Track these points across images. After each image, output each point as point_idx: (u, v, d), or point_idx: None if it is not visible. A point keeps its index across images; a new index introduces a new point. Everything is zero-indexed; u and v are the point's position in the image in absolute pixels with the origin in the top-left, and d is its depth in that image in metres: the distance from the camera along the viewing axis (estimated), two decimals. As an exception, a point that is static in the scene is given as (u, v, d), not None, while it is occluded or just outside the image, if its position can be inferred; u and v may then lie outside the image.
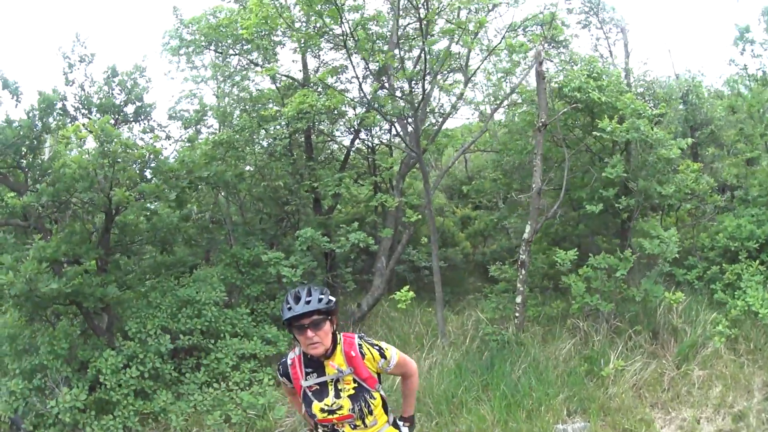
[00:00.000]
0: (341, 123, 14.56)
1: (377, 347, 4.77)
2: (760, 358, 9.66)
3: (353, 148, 14.93)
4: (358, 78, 11.82)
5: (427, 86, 11.49)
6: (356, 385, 4.66)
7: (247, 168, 13.72)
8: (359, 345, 4.71)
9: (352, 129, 14.45)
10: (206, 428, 8.99)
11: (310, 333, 4.41)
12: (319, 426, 4.81)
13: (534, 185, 10.90)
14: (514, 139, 13.55)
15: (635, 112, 10.65)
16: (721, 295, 10.75)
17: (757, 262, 10.90)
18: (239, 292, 11.83)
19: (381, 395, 4.84)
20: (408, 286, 10.43)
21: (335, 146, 15.48)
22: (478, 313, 12.01)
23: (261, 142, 13.98)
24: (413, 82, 11.26)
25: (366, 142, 15.24)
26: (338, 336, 4.71)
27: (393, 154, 15.09)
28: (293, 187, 12.93)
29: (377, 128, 14.83)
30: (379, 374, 4.79)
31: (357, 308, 12.54)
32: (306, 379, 4.68)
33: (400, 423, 5.16)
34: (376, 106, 11.43)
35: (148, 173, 10.71)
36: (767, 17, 14.66)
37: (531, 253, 11.35)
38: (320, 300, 4.44)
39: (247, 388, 9.68)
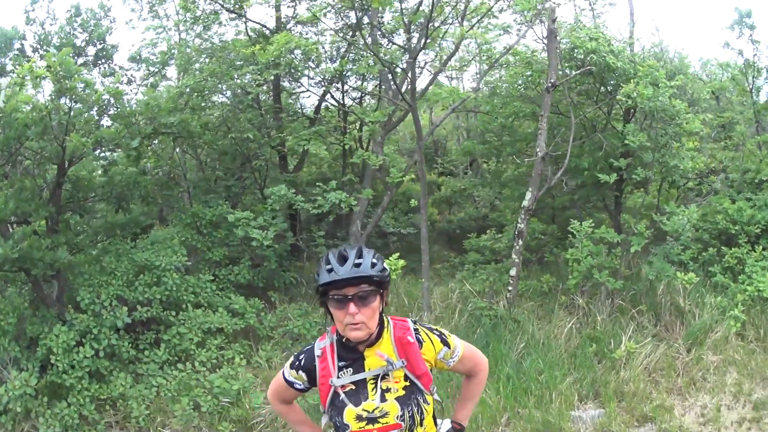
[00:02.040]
0: (315, 73, 13.28)
1: (437, 332, 3.63)
2: None
3: (324, 104, 13.89)
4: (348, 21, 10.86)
5: (432, 27, 10.44)
6: (408, 383, 3.45)
7: (214, 116, 12.56)
8: (415, 330, 3.55)
9: (325, 81, 13.25)
10: (172, 417, 7.79)
11: (353, 307, 3.23)
12: None
13: (538, 150, 10.07)
14: (504, 101, 12.74)
15: (655, 81, 9.83)
16: (721, 278, 10.23)
17: (761, 247, 10.43)
18: (201, 256, 10.70)
19: (435, 399, 3.64)
20: (398, 254, 9.19)
21: (305, 101, 14.49)
22: (462, 285, 11.11)
23: (226, 93, 12.74)
24: (411, 28, 10.31)
25: (347, 94, 14.08)
26: (385, 318, 3.55)
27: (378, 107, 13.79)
28: (262, 141, 11.83)
29: (352, 81, 13.79)
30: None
31: (328, 275, 11.39)
32: (339, 376, 3.44)
33: (449, 428, 3.93)
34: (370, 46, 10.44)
35: (106, 121, 9.66)
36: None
37: (529, 222, 10.55)
38: (374, 265, 3.29)
39: (216, 369, 8.46)
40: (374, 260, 3.32)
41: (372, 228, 12.07)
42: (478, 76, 14.29)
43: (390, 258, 8.91)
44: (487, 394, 8.02)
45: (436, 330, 3.63)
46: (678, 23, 34.34)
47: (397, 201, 14.04)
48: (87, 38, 10.28)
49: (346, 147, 13.19)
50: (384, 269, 3.36)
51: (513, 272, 10.09)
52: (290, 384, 3.67)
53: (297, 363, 3.61)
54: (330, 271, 3.25)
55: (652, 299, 9.95)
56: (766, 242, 10.63)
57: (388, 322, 3.54)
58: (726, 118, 13.61)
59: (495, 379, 8.29)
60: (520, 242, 10.12)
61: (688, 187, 13.18)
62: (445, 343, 3.60)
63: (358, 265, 3.25)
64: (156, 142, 11.50)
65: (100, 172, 11.09)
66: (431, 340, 3.55)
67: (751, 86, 13.16)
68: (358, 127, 13.06)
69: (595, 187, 11.55)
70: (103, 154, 10.39)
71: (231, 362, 8.59)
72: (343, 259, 3.28)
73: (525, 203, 10.12)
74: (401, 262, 8.94)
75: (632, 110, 10.89)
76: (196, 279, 9.62)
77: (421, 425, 3.50)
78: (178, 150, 12.90)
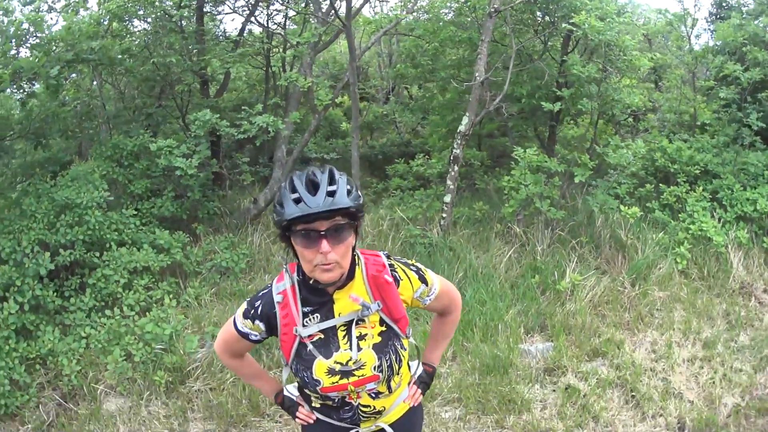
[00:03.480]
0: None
1: (414, 268, 3.12)
2: (715, 285, 8.99)
3: (247, 28, 12.93)
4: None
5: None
6: (384, 328, 2.99)
7: (136, 43, 11.49)
8: (390, 266, 3.04)
9: (249, 3, 12.30)
10: (105, 371, 6.94)
11: (326, 245, 2.69)
12: (316, 398, 3.18)
13: (477, 74, 9.50)
14: (436, 26, 12.30)
15: (604, 15, 9.47)
16: (660, 214, 9.99)
17: (701, 188, 10.27)
18: (122, 190, 9.83)
19: (412, 343, 3.24)
20: None
21: (228, 25, 13.69)
22: (393, 212, 10.65)
23: (147, 19, 11.58)
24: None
25: (271, 18, 13.06)
26: (357, 254, 3.00)
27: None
28: (184, 65, 10.87)
29: (277, 4, 12.82)
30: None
31: (253, 204, 10.67)
32: (305, 324, 2.92)
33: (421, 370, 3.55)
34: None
35: (25, 53, 8.90)
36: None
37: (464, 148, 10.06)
38: (349, 192, 2.73)
39: (145, 313, 7.61)
40: (349, 186, 2.75)
41: (298, 153, 11.32)
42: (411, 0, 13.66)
43: None
44: (429, 326, 7.42)
45: (413, 265, 3.15)
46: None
47: (319, 126, 13.41)
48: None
49: (272, 70, 12.48)
50: (359, 197, 2.81)
51: (448, 199, 9.63)
52: (244, 336, 3.11)
53: (252, 311, 3.03)
54: (298, 201, 2.67)
55: (591, 231, 9.64)
56: (705, 184, 10.45)
57: (359, 258, 3.02)
58: (662, 60, 13.35)
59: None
60: (456, 168, 9.64)
61: (626, 123, 12.99)
62: (423, 280, 3.12)
63: (332, 194, 2.68)
64: (74, 74, 10.73)
65: (17, 111, 10.26)
66: (408, 277, 3.08)
67: (688, 34, 12.94)
68: (282, 50, 12.26)
69: (531, 116, 11.41)
70: (20, 87, 9.47)
71: (160, 303, 7.80)
72: (313, 186, 2.70)
73: (462, 128, 9.59)
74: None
75: (572, 42, 10.62)
76: (118, 215, 8.72)
77: (398, 373, 3.16)
78: (96, 81, 12.03)
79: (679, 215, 9.95)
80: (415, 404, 3.43)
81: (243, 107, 9.69)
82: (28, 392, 6.69)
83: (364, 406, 3.13)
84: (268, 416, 6.45)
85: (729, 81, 10.98)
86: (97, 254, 8.16)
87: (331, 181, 2.70)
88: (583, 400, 6.57)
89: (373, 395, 3.10)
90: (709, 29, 14.97)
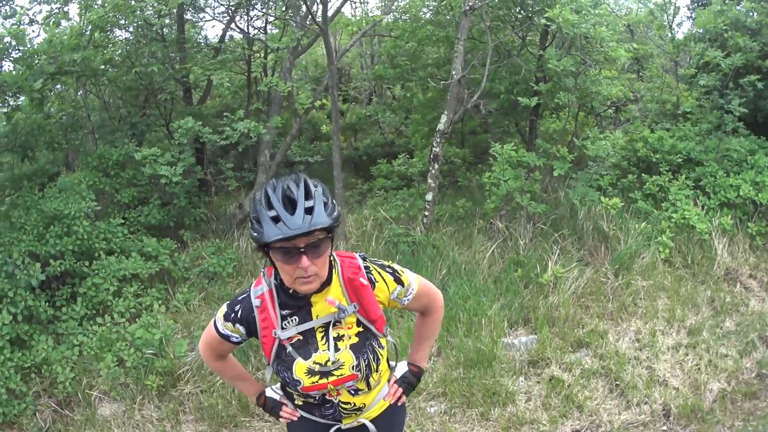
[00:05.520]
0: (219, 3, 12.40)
1: (390, 269, 3.14)
2: (699, 272, 9.00)
3: (228, 35, 13.01)
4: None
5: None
6: (361, 329, 3.04)
7: (118, 53, 11.42)
8: (365, 268, 3.06)
9: (230, 10, 12.31)
10: (98, 377, 6.99)
11: (306, 261, 2.70)
12: (298, 396, 3.24)
13: (454, 72, 9.52)
14: (414, 26, 12.30)
15: (579, 8, 9.37)
16: (643, 204, 10.00)
17: (683, 176, 10.30)
18: (109, 199, 9.82)
19: (389, 341, 3.30)
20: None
21: (209, 32, 13.69)
22: (375, 212, 10.64)
23: (129, 28, 11.54)
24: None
25: (251, 23, 13.09)
26: (333, 257, 3.02)
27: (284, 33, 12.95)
28: (166, 74, 10.92)
29: (257, 10, 12.90)
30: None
31: (239, 209, 10.66)
32: (283, 327, 2.96)
33: (405, 370, 3.57)
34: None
35: (8, 66, 8.98)
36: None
37: (444, 146, 10.03)
38: (326, 207, 2.73)
39: (135, 319, 7.62)
40: (325, 199, 2.75)
41: (281, 157, 11.31)
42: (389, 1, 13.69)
43: None
44: (413, 322, 7.51)
45: (388, 267, 3.17)
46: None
47: (302, 129, 13.42)
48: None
49: (253, 76, 12.44)
50: (335, 208, 2.78)
51: (429, 197, 9.61)
52: (225, 338, 3.13)
53: (232, 315, 3.05)
54: (276, 220, 2.65)
55: (574, 224, 9.64)
56: (687, 172, 10.46)
57: (335, 260, 3.04)
58: (642, 51, 13.34)
59: (420, 308, 7.81)
60: (436, 166, 9.61)
61: (606, 115, 13.06)
62: (399, 281, 3.14)
63: (309, 211, 2.66)
64: (58, 86, 10.60)
65: (3, 124, 10.18)
66: (384, 279, 3.10)
67: (670, 23, 12.98)
68: (263, 56, 12.30)
69: (510, 112, 11.38)
70: (5, 101, 9.50)
71: (149, 310, 7.77)
72: (290, 203, 2.69)
73: (440, 126, 9.60)
74: None
75: (549, 36, 10.62)
76: (106, 224, 8.73)
77: (377, 371, 3.22)
78: (80, 92, 11.90)
79: (662, 204, 9.95)
80: (398, 403, 3.45)
81: (225, 113, 9.66)
82: (24, 400, 6.72)
83: (345, 403, 3.18)
84: (258, 416, 6.47)
85: (710, 68, 10.96)
86: (87, 263, 8.15)
87: (307, 195, 2.70)
88: (567, 390, 6.57)
89: (353, 392, 3.14)
90: (691, 17, 15.01)
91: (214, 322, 3.13)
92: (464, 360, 7.00)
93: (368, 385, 3.18)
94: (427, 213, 9.61)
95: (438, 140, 9.58)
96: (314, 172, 12.62)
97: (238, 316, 3.02)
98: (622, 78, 12.52)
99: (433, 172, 9.59)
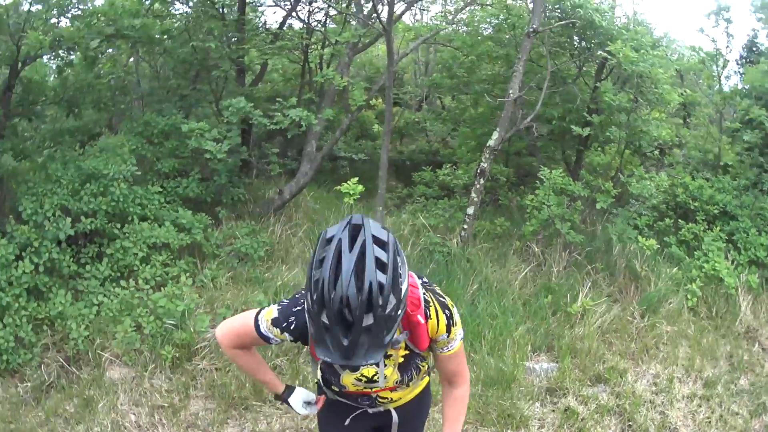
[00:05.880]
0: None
1: (448, 312, 2.96)
2: (722, 326, 8.92)
3: (288, 23, 12.87)
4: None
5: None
6: (407, 352, 3.00)
7: (175, 25, 11.52)
8: (425, 302, 2.89)
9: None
10: (112, 339, 6.95)
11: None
12: (339, 395, 3.26)
13: (510, 91, 9.53)
14: (476, 40, 12.38)
15: (639, 46, 9.47)
16: (676, 250, 9.95)
17: (718, 228, 10.22)
18: (149, 167, 9.80)
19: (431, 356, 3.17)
20: (357, 178, 8.58)
21: (268, 18, 13.72)
22: (414, 218, 10.68)
23: (189, 2, 11.70)
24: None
25: (312, 15, 13.10)
26: None
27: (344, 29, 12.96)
28: (222, 52, 10.85)
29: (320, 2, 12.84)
30: None
31: (278, 195, 10.65)
32: None
33: None
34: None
35: (64, 22, 8.95)
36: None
37: (492, 163, 10.05)
38: (389, 321, 2.37)
39: (160, 288, 7.55)
40: (392, 310, 2.36)
41: (327, 150, 11.36)
42: (452, 12, 13.67)
43: (349, 182, 8.32)
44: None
45: (448, 308, 2.98)
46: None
47: (350, 126, 13.44)
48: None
49: (309, 66, 12.48)
50: (401, 307, 2.44)
51: (471, 211, 9.61)
52: (264, 338, 3.02)
53: (284, 324, 2.93)
54: (326, 330, 2.33)
55: (608, 259, 9.61)
56: (722, 224, 10.40)
57: None
58: (691, 98, 13.31)
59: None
60: (482, 181, 9.60)
61: (651, 155, 12.91)
62: (448, 329, 2.96)
63: (367, 331, 2.31)
64: (111, 50, 10.76)
65: (53, 77, 10.37)
66: (438, 321, 2.92)
67: (719, 74, 13.06)
68: (321, 47, 12.30)
69: (559, 139, 11.45)
70: (59, 55, 9.51)
71: (176, 281, 7.75)
72: (342, 321, 2.29)
73: (491, 143, 9.59)
74: (360, 187, 8.34)
75: (605, 69, 10.66)
76: (143, 190, 8.71)
77: (418, 377, 3.15)
78: (133, 58, 12.13)
79: (695, 252, 9.88)
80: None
81: (277, 99, 9.66)
82: (32, 351, 6.71)
83: (382, 397, 3.20)
84: (270, 402, 6.45)
85: (754, 125, 10.94)
86: (118, 226, 8.17)
87: (369, 306, 2.28)
88: (580, 423, 6.53)
89: (392, 390, 3.16)
90: (739, 72, 15.07)
91: (256, 320, 3.00)
92: (484, 377, 6.99)
93: (408, 385, 3.17)
94: (466, 226, 9.60)
95: (487, 156, 9.58)
96: (357, 170, 12.65)
97: (291, 327, 2.92)
98: (669, 122, 12.48)
99: (478, 186, 9.59)
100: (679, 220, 10.64)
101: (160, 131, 9.91)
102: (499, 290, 8.66)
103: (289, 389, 3.50)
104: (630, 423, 6.64)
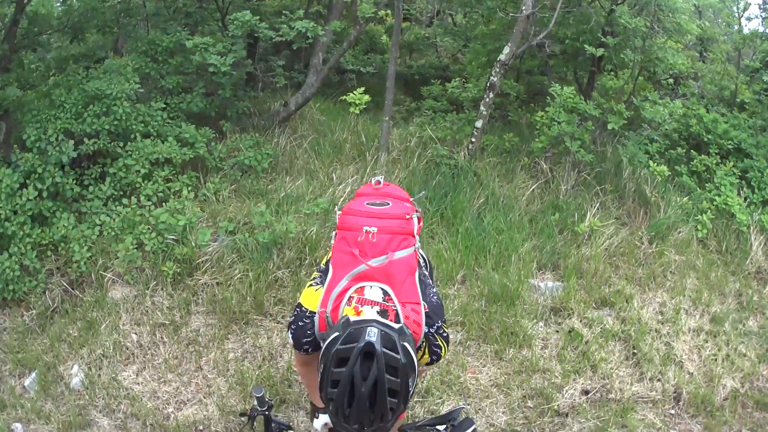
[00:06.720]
0: None
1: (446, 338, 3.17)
2: (731, 262, 8.61)
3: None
4: None
5: None
6: None
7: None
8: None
9: None
10: (114, 259, 6.86)
11: None
12: None
13: (524, 7, 9.13)
14: None
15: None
16: (687, 180, 9.70)
17: (731, 163, 9.93)
18: (153, 84, 9.62)
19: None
20: (363, 88, 8.40)
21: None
22: (422, 130, 10.40)
23: None
24: None
25: None
26: None
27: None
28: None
29: None
30: None
31: (283, 107, 10.38)
32: None
33: None
34: None
35: None
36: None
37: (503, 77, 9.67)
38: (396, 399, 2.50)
39: (162, 204, 7.48)
40: (396, 396, 2.51)
41: (334, 62, 11.01)
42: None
43: (355, 92, 8.15)
44: (444, 246, 7.39)
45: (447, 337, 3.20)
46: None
47: (358, 39, 13.14)
48: None
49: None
50: (409, 390, 2.55)
51: (479, 124, 9.30)
52: (305, 346, 3.16)
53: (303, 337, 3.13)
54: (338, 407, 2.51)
55: (617, 182, 9.40)
56: (735, 161, 10.08)
57: None
58: (710, 32, 12.92)
59: (452, 233, 7.70)
60: (491, 95, 9.28)
61: (665, 83, 12.69)
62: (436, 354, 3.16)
63: (373, 409, 2.49)
64: None
65: (58, 7, 10.33)
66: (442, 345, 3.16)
67: (739, 15, 12.84)
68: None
69: (571, 59, 11.26)
70: None
71: (178, 195, 7.68)
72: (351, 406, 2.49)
73: (502, 57, 9.22)
74: (366, 97, 8.16)
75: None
76: (146, 107, 8.55)
77: None
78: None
79: (706, 185, 9.64)
80: None
81: (284, 12, 9.38)
82: (36, 278, 6.68)
83: None
84: (271, 316, 6.43)
85: (774, 68, 10.54)
86: (121, 144, 8.00)
87: (372, 397, 2.45)
88: (584, 346, 6.43)
89: None
90: (760, 16, 14.64)
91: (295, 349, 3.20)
92: (488, 293, 6.85)
93: None
94: (474, 140, 9.33)
95: (497, 70, 9.23)
96: (365, 84, 12.28)
97: (303, 338, 3.10)
98: (685, 53, 12.14)
99: (487, 100, 9.28)
100: (692, 151, 10.33)
101: (164, 49, 9.69)
102: (505, 205, 8.46)
103: (322, 411, 3.54)
104: (635, 351, 6.54)
